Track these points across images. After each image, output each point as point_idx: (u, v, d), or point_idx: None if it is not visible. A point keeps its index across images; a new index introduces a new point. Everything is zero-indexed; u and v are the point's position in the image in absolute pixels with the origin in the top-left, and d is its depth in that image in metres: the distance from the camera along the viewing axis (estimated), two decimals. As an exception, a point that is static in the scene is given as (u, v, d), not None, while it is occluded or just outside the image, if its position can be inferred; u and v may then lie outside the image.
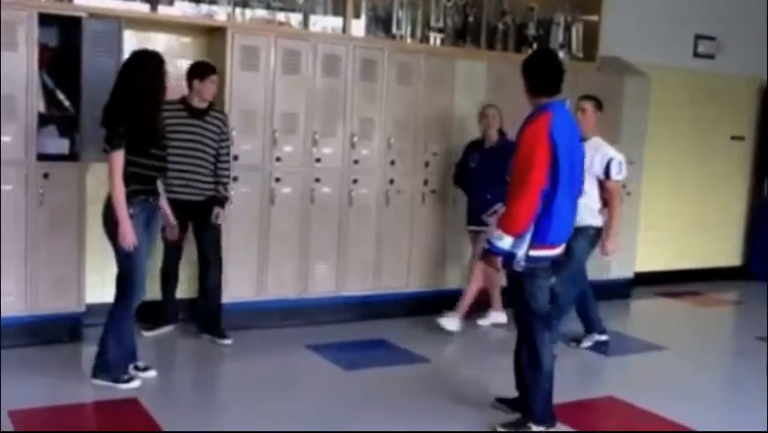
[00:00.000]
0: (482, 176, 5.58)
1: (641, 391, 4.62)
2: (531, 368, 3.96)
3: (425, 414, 4.21)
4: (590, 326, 5.60)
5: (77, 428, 3.93)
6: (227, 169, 5.15)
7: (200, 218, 5.09)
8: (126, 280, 4.23)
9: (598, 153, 5.18)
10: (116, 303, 4.28)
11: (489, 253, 3.83)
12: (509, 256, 3.78)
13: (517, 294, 3.97)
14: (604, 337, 5.62)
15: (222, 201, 5.13)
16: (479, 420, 4.09)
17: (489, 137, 5.69)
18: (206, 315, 5.23)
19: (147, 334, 5.08)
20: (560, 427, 4.05)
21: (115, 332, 4.25)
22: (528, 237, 3.76)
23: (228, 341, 5.16)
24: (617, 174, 5.23)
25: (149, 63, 4.19)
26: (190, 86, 4.99)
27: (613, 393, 4.61)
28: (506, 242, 3.75)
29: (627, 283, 7.29)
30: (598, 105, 5.35)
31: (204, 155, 5.01)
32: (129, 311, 4.26)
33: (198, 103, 5.01)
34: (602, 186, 5.23)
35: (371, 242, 5.76)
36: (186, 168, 4.97)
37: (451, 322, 5.58)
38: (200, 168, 5.01)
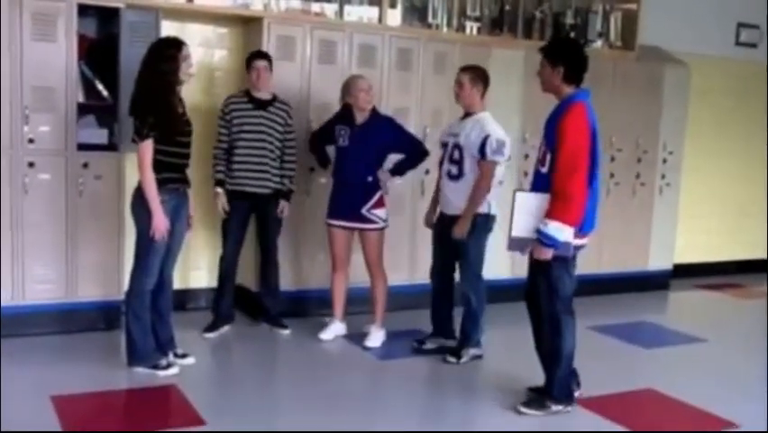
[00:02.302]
0: (358, 156, 4.89)
1: (681, 384, 4.56)
2: (553, 350, 4.04)
3: (453, 399, 4.26)
4: (446, 332, 4.97)
5: (117, 413, 3.99)
6: (293, 161, 5.15)
7: (266, 211, 5.10)
8: (140, 264, 4.25)
9: (476, 129, 4.64)
10: (129, 289, 4.32)
11: (542, 246, 3.82)
12: (560, 247, 3.81)
13: (545, 280, 3.97)
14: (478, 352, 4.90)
15: (288, 194, 5.14)
16: (504, 402, 4.17)
17: (361, 112, 4.92)
18: (268, 305, 5.26)
19: (208, 335, 5.07)
20: (600, 418, 4.04)
21: (135, 318, 4.28)
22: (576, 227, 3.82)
23: (287, 331, 5.21)
24: (494, 154, 4.58)
25: (164, 50, 4.19)
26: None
27: (653, 386, 4.55)
28: (564, 233, 3.77)
29: (666, 275, 7.20)
30: (480, 77, 4.74)
31: (270, 146, 5.00)
32: (142, 297, 4.27)
33: (257, 93, 5.01)
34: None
35: (406, 233, 5.74)
36: (253, 159, 4.97)
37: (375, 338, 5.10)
38: (267, 159, 4.99)
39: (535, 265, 3.99)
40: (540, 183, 3.92)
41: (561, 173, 3.77)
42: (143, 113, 4.11)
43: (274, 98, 5.07)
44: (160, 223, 4.14)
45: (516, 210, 3.91)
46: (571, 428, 3.96)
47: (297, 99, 5.40)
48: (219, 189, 5.01)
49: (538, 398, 4.09)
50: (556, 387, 4.05)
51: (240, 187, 4.99)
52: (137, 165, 4.16)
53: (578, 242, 3.91)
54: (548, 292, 3.99)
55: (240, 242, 5.13)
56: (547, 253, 3.83)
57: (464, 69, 4.82)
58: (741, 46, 7.75)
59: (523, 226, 3.89)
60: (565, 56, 3.93)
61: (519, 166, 6.20)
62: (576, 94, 3.93)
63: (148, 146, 4.10)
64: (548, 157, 3.86)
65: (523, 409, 4.03)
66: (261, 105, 5.02)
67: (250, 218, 5.14)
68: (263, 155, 4.99)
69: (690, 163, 7.23)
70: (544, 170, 3.89)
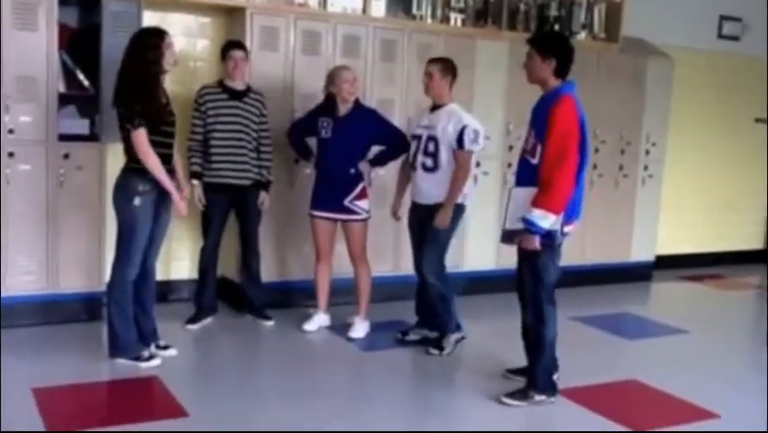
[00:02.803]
0: (340, 148, 4.89)
1: (664, 375, 4.58)
2: (536, 338, 4.08)
3: (437, 390, 4.27)
4: (431, 323, 4.95)
5: (99, 405, 3.97)
6: (269, 152, 5.12)
7: (244, 202, 5.07)
8: (121, 254, 4.22)
9: (452, 121, 4.65)
10: (111, 280, 4.30)
11: (528, 233, 3.86)
12: (546, 235, 3.86)
13: (530, 268, 4.01)
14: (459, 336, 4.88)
15: (267, 186, 5.12)
16: (488, 392, 4.19)
17: (345, 103, 4.90)
18: (251, 296, 5.25)
19: (190, 327, 5.05)
20: (583, 409, 4.06)
21: (117, 309, 4.25)
22: (563, 214, 3.86)
23: (270, 322, 5.21)
24: (472, 144, 4.63)
25: (147, 39, 4.15)
26: (223, 67, 4.99)
27: (636, 377, 4.58)
28: (548, 221, 3.81)
29: (649, 266, 7.23)
30: (450, 68, 4.75)
31: (247, 137, 4.97)
32: (124, 288, 4.24)
33: (230, 82, 4.98)
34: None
35: (390, 224, 5.71)
36: (229, 150, 4.94)
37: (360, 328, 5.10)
38: (245, 150, 4.96)
39: (522, 254, 4.02)
40: (530, 174, 3.94)
41: (548, 163, 3.81)
42: (129, 102, 4.07)
43: (248, 89, 5.04)
44: (179, 199, 4.21)
45: (510, 204, 4.01)
46: (554, 419, 3.98)
47: (280, 90, 5.38)
48: (195, 182, 4.96)
49: (521, 388, 4.11)
50: (540, 377, 4.08)
51: (218, 179, 4.96)
52: (138, 154, 4.08)
53: (564, 229, 3.95)
54: (533, 280, 4.03)
55: (220, 234, 5.12)
56: (534, 242, 3.87)
57: (434, 61, 4.82)
58: (723, 39, 7.78)
59: (514, 219, 3.96)
60: (557, 49, 3.96)
61: (504, 157, 6.20)
62: (564, 86, 3.97)
63: (142, 133, 4.07)
64: (538, 148, 3.89)
65: (506, 400, 4.05)
66: (236, 95, 4.98)
67: (230, 210, 5.11)
68: (241, 146, 4.96)
69: (673, 155, 7.26)
70: (534, 161, 3.92)
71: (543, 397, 4.07)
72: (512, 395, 4.08)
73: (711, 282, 7.42)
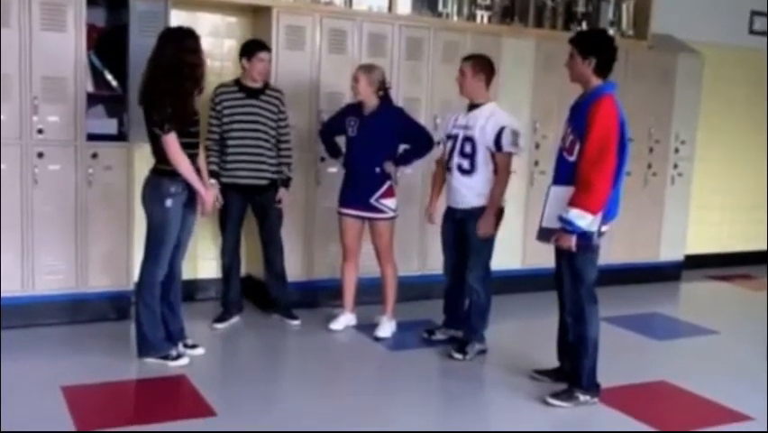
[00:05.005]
0: (365, 146, 4.86)
1: (694, 376, 4.53)
2: (579, 338, 4.04)
3: (467, 389, 4.24)
4: (458, 324, 4.89)
5: (128, 403, 3.99)
6: (289, 148, 5.10)
7: (262, 202, 5.05)
8: (150, 255, 4.24)
9: (490, 121, 4.52)
10: (140, 280, 4.31)
11: (564, 232, 3.84)
12: (583, 235, 3.84)
13: (569, 267, 3.99)
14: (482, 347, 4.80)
15: (287, 182, 5.10)
16: (517, 392, 4.17)
17: (369, 102, 4.89)
18: (276, 295, 5.24)
19: (217, 326, 5.06)
20: (612, 411, 4.01)
21: (145, 309, 4.27)
22: (601, 215, 3.84)
23: (297, 322, 5.20)
24: (510, 146, 4.51)
25: (187, 41, 4.12)
26: (242, 66, 4.96)
27: (665, 378, 4.52)
28: (585, 221, 3.79)
29: (678, 266, 7.15)
30: (484, 66, 4.63)
31: (264, 135, 4.95)
32: (152, 288, 4.26)
33: (251, 82, 4.95)
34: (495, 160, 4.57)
35: (417, 223, 5.71)
36: (245, 150, 4.92)
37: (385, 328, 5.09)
38: (262, 149, 4.95)
39: (561, 252, 4.01)
40: (567, 172, 3.92)
41: (587, 162, 3.79)
42: (160, 105, 4.04)
43: (266, 86, 5.02)
44: (206, 196, 4.23)
45: (548, 203, 3.99)
46: (583, 420, 3.93)
47: (307, 89, 5.38)
48: (213, 181, 4.94)
49: (566, 388, 4.07)
50: (584, 377, 4.03)
51: (234, 179, 4.93)
52: (169, 158, 4.09)
53: (600, 229, 3.93)
54: (572, 279, 4.00)
55: (237, 233, 5.12)
56: (570, 241, 3.84)
57: (466, 58, 4.74)
58: (754, 34, 7.67)
59: (551, 217, 3.94)
60: (597, 48, 3.94)
61: (530, 155, 6.15)
62: (605, 86, 3.95)
63: (173, 138, 4.06)
64: (577, 146, 3.87)
65: (551, 400, 4.02)
66: (253, 93, 4.95)
67: (246, 209, 5.10)
68: (258, 145, 4.94)
69: (702, 153, 7.17)
70: (572, 158, 3.89)
71: (587, 397, 4.03)
72: (557, 395, 4.04)
73: (740, 282, 7.32)
